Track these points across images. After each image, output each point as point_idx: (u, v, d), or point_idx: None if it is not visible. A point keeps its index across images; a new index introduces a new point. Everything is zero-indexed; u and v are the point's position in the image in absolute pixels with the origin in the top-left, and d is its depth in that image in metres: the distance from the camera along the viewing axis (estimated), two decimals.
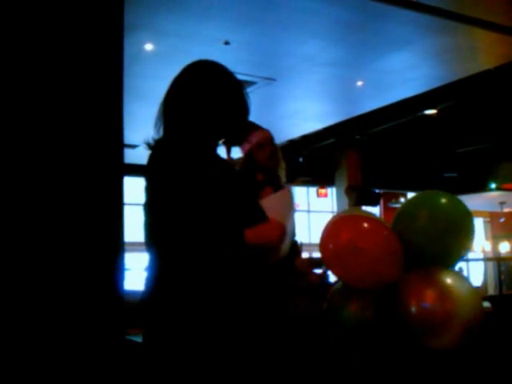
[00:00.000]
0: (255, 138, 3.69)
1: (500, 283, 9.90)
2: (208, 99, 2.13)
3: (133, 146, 10.26)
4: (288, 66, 8.03)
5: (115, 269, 1.79)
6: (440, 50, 7.55)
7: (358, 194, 12.95)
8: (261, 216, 2.17)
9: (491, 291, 13.66)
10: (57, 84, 1.76)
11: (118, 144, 1.91)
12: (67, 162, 1.77)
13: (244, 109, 2.23)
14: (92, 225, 1.76)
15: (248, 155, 3.68)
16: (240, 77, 7.87)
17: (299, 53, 7.55)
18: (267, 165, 3.71)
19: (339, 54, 7.65)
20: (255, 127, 3.82)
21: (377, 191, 13.84)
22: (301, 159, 13.53)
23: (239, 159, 3.71)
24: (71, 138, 1.79)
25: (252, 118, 8.71)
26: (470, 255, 17.75)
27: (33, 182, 1.70)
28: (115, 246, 1.80)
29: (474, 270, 17.95)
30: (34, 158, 1.71)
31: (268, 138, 3.75)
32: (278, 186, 3.63)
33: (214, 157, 2.13)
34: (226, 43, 7.10)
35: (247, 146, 3.68)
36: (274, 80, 8.46)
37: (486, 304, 6.48)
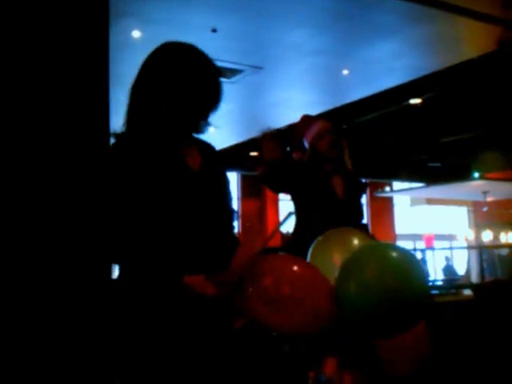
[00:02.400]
0: (314, 130, 3.83)
1: (482, 271, 10.02)
2: (167, 83, 2.04)
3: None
4: (275, 55, 8.01)
5: (103, 257, 1.80)
6: (425, 39, 7.55)
7: None
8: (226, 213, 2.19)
9: (474, 279, 13.81)
10: (40, 71, 1.71)
11: (104, 132, 1.87)
12: (51, 151, 1.72)
13: (211, 94, 2.09)
14: (79, 215, 1.73)
15: (311, 147, 3.80)
16: (227, 65, 7.92)
17: (286, 41, 7.54)
18: (330, 154, 3.79)
19: (325, 43, 7.64)
20: (313, 119, 4.04)
21: (363, 181, 13.88)
22: (288, 148, 13.53)
23: (306, 151, 3.84)
24: (55, 126, 1.74)
25: (239, 106, 8.85)
26: (454, 244, 17.95)
27: (17, 170, 1.66)
28: (101, 234, 1.79)
29: (457, 259, 18.16)
30: (17, 146, 1.66)
31: (326, 128, 3.86)
32: (345, 175, 3.78)
33: (167, 148, 2.04)
34: (214, 31, 7.07)
35: (309, 138, 3.81)
36: (261, 68, 8.43)
37: (469, 292, 6.54)
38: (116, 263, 1.98)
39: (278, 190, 3.93)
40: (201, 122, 2.12)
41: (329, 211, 3.63)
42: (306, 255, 2.89)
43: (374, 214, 18.50)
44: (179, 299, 1.91)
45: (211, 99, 2.10)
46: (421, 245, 17.73)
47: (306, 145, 3.88)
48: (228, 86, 8.53)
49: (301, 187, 3.73)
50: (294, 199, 3.81)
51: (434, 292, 8.47)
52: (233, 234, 2.26)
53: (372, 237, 3.85)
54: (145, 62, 2.11)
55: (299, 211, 3.77)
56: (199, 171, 2.09)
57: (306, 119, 4.14)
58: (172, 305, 1.91)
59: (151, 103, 2.03)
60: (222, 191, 2.21)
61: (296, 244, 3.55)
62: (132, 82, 2.08)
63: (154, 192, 1.97)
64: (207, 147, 2.24)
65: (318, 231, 2.91)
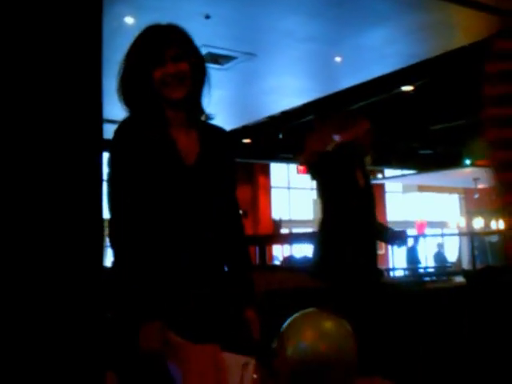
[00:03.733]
0: (363, 126, 4.02)
1: (473, 258, 10.07)
2: (142, 68, 2.02)
3: (113, 121, 10.21)
4: (268, 41, 7.99)
5: (94, 245, 1.74)
6: (417, 26, 7.54)
7: None
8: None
9: (465, 266, 13.89)
10: (32, 60, 1.69)
11: (97, 119, 1.82)
12: (43, 138, 1.69)
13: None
14: (69, 202, 1.69)
15: (351, 141, 3.95)
16: (220, 51, 7.92)
17: (279, 28, 7.52)
18: (367, 151, 4.07)
19: (318, 30, 7.63)
20: (355, 115, 4.25)
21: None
22: (280, 135, 13.56)
23: (338, 143, 4.03)
24: (47, 113, 1.71)
25: (232, 93, 8.89)
26: (446, 231, 18.02)
27: (6, 158, 1.63)
28: (94, 223, 1.74)
29: (448, 246, 18.26)
30: (8, 132, 1.64)
31: (370, 125, 4.06)
32: (364, 169, 4.03)
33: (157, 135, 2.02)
34: (207, 17, 7.04)
35: (352, 133, 3.97)
36: (255, 55, 8.40)
37: (460, 278, 6.58)
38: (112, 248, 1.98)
39: (314, 177, 4.17)
40: (191, 105, 2.08)
41: (353, 199, 3.88)
42: (333, 240, 3.76)
43: None
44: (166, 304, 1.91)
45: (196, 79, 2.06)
46: (413, 232, 17.81)
47: (336, 138, 4.08)
48: (221, 73, 8.42)
49: (330, 175, 3.98)
50: (322, 186, 4.06)
51: (426, 279, 8.54)
52: (236, 229, 2.20)
53: (382, 225, 4.44)
54: (129, 49, 2.10)
55: (326, 199, 4.00)
56: (193, 166, 2.03)
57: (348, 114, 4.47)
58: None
59: (137, 90, 2.04)
60: (222, 185, 2.12)
61: (323, 229, 3.88)
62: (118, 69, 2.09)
63: (144, 190, 1.96)
64: (215, 133, 2.17)
65: (344, 217, 3.74)
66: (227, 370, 1.88)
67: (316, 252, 3.93)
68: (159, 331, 1.83)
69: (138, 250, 1.91)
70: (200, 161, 2.04)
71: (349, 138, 3.96)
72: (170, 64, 2.01)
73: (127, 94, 2.06)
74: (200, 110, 2.14)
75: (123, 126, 2.04)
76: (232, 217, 2.17)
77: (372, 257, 3.89)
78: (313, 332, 2.01)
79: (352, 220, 3.78)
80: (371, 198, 4.01)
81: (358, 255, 3.73)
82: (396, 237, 4.75)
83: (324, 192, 3.99)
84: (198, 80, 2.08)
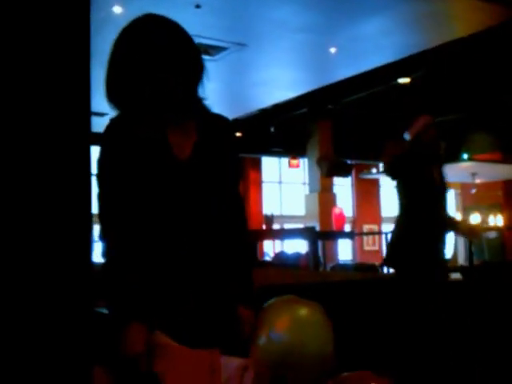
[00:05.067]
0: (422, 122, 4.33)
1: (471, 254, 9.94)
2: (128, 61, 1.90)
3: (101, 114, 10.07)
4: (260, 31, 7.95)
5: (83, 240, 1.67)
6: (414, 16, 7.51)
7: (329, 165, 12.90)
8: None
9: (461, 262, 13.76)
10: (18, 51, 1.63)
11: (85, 111, 1.74)
12: (28, 131, 1.63)
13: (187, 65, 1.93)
14: (56, 196, 1.64)
15: (416, 138, 4.28)
16: (211, 42, 7.81)
17: (271, 17, 7.46)
18: (432, 147, 4.33)
19: (312, 19, 7.56)
20: (417, 112, 4.54)
21: (348, 162, 13.83)
22: (272, 129, 13.45)
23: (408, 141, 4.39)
24: (33, 105, 1.64)
25: (223, 85, 8.66)
26: None
27: None
28: (82, 217, 1.68)
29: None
30: None
31: (432, 122, 4.40)
32: (440, 164, 4.38)
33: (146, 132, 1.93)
34: (197, 6, 6.99)
35: (414, 130, 4.31)
36: (246, 45, 8.35)
37: (457, 275, 6.54)
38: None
39: (394, 178, 4.52)
40: (186, 96, 1.96)
41: (429, 196, 4.26)
42: (410, 235, 4.24)
43: (359, 195, 18.40)
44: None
45: (188, 70, 1.94)
46: None
47: (407, 137, 4.43)
48: (211, 64, 8.24)
49: (407, 174, 4.36)
50: (400, 185, 4.44)
51: None
52: (237, 226, 2.11)
53: (453, 220, 4.74)
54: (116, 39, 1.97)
55: (403, 197, 4.39)
56: (188, 160, 1.94)
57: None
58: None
59: (127, 85, 1.92)
60: (221, 179, 2.01)
61: (401, 225, 4.38)
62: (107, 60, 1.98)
63: (135, 188, 1.91)
64: (214, 123, 2.07)
65: (421, 214, 4.22)
66: (223, 374, 1.83)
67: (393, 243, 4.50)
68: (141, 333, 1.79)
69: (128, 249, 1.88)
70: (195, 154, 1.96)
71: (411, 137, 4.32)
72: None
73: (116, 90, 1.95)
74: (197, 102, 2.02)
75: (113, 124, 1.97)
76: (233, 213, 2.09)
77: (442, 250, 4.32)
78: (286, 319, 1.95)
79: (427, 217, 4.19)
80: (445, 193, 4.38)
81: (432, 248, 4.19)
82: (469, 230, 5.51)
83: (403, 191, 4.38)
84: (192, 72, 1.96)
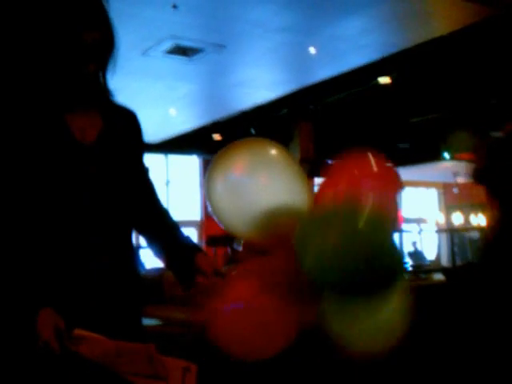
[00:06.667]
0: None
1: (453, 254, 9.91)
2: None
3: None
4: (238, 32, 7.89)
5: None
6: (394, 15, 7.49)
7: (311, 166, 12.85)
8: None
9: (444, 263, 13.73)
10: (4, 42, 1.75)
11: None
12: (13, 118, 1.70)
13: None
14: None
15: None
16: (188, 43, 7.68)
17: (249, 18, 7.40)
18: None
19: (290, 19, 7.54)
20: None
21: (330, 163, 13.77)
22: (253, 131, 13.38)
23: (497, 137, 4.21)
24: (19, 96, 1.72)
25: (201, 87, 8.50)
26: (423, 227, 17.84)
27: None
28: None
29: (426, 244, 18.00)
30: None
31: None
32: None
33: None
34: (174, 7, 6.84)
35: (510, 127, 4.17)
36: (224, 47, 8.28)
37: (440, 276, 6.50)
38: None
39: (490, 185, 4.47)
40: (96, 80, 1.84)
41: None
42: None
43: None
44: None
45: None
46: None
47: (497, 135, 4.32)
48: (188, 66, 8.32)
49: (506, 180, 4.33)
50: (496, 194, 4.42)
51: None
52: (155, 213, 2.06)
53: None
54: None
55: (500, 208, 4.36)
56: (91, 146, 1.84)
57: None
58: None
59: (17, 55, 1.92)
60: (126, 165, 1.92)
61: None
62: None
63: (27, 170, 1.75)
64: (121, 112, 1.98)
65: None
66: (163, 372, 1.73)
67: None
68: (49, 317, 1.65)
69: (21, 238, 1.73)
70: (101, 140, 1.87)
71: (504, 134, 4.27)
72: (85, 32, 1.75)
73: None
74: (105, 87, 1.91)
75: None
76: (146, 195, 2.05)
77: None
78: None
79: None
80: None
81: None
82: None
83: (500, 200, 4.33)
84: (106, 54, 1.84)
